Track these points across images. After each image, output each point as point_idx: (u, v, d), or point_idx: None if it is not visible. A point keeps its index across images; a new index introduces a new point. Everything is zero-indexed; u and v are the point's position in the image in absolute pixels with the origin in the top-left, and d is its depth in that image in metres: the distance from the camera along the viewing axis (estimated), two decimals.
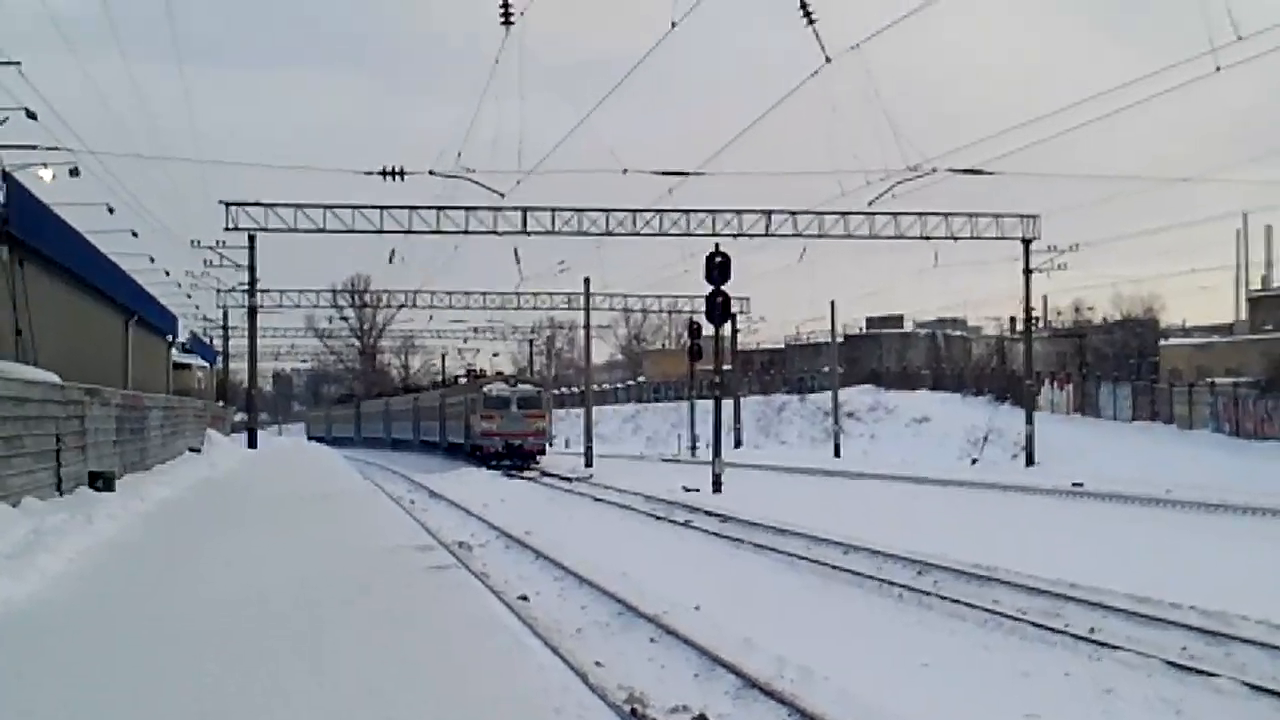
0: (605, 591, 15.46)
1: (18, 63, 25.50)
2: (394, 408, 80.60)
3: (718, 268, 34.28)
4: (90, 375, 27.79)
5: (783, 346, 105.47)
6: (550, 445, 57.93)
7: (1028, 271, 51.47)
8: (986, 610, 14.22)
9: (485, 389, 51.09)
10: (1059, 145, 63.17)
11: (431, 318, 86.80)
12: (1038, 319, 65.78)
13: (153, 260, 52.25)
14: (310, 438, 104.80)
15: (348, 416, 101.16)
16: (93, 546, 16.82)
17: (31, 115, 26.71)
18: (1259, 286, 72.82)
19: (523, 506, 30.22)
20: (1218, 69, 25.95)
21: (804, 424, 76.53)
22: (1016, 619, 13.66)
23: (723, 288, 34.51)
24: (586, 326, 71.47)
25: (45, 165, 29.11)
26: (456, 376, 68.18)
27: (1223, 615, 13.08)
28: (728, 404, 61.06)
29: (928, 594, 15.54)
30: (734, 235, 47.42)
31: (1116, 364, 71.38)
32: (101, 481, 23.76)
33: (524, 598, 15.13)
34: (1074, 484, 35.32)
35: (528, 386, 53.18)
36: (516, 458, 48.90)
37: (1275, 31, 24.45)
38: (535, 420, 50.99)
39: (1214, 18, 24.31)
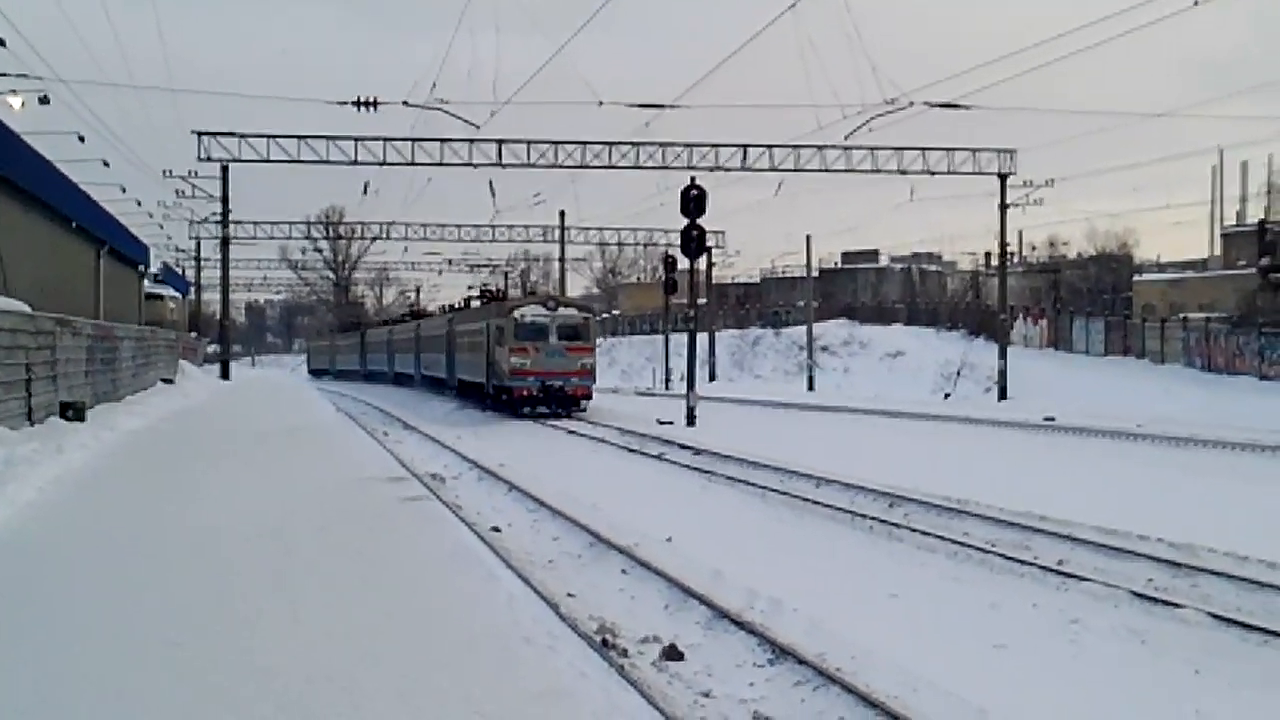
0: (577, 523, 15.47)
1: None
2: (397, 337, 67.10)
3: (693, 201, 34.11)
4: (61, 305, 27.57)
5: (758, 280, 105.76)
6: None
7: (1003, 206, 51.46)
8: (956, 542, 14.28)
9: (516, 313, 38.44)
10: (1037, 79, 63.09)
11: (406, 250, 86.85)
12: (1013, 254, 66.04)
13: (124, 190, 52.02)
14: (312, 371, 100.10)
15: (352, 347, 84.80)
16: (63, 476, 16.81)
17: (1, 43, 26.36)
18: (1234, 222, 73.10)
19: (495, 438, 30.24)
20: (1195, 3, 25.91)
21: (778, 357, 76.68)
22: (986, 551, 13.72)
23: (698, 221, 34.34)
24: (561, 259, 71.63)
25: (15, 93, 28.84)
26: (469, 298, 53.03)
27: (1189, 547, 13.17)
28: (702, 337, 61.08)
29: (898, 526, 15.59)
30: (710, 169, 47.37)
31: (1090, 299, 71.71)
32: (72, 411, 23.71)
33: (496, 529, 15.15)
34: (1046, 418, 35.47)
35: (571, 310, 39.97)
36: (556, 403, 37.61)
37: None
38: (581, 355, 38.38)
39: None
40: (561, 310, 39.20)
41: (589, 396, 38.80)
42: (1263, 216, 63.18)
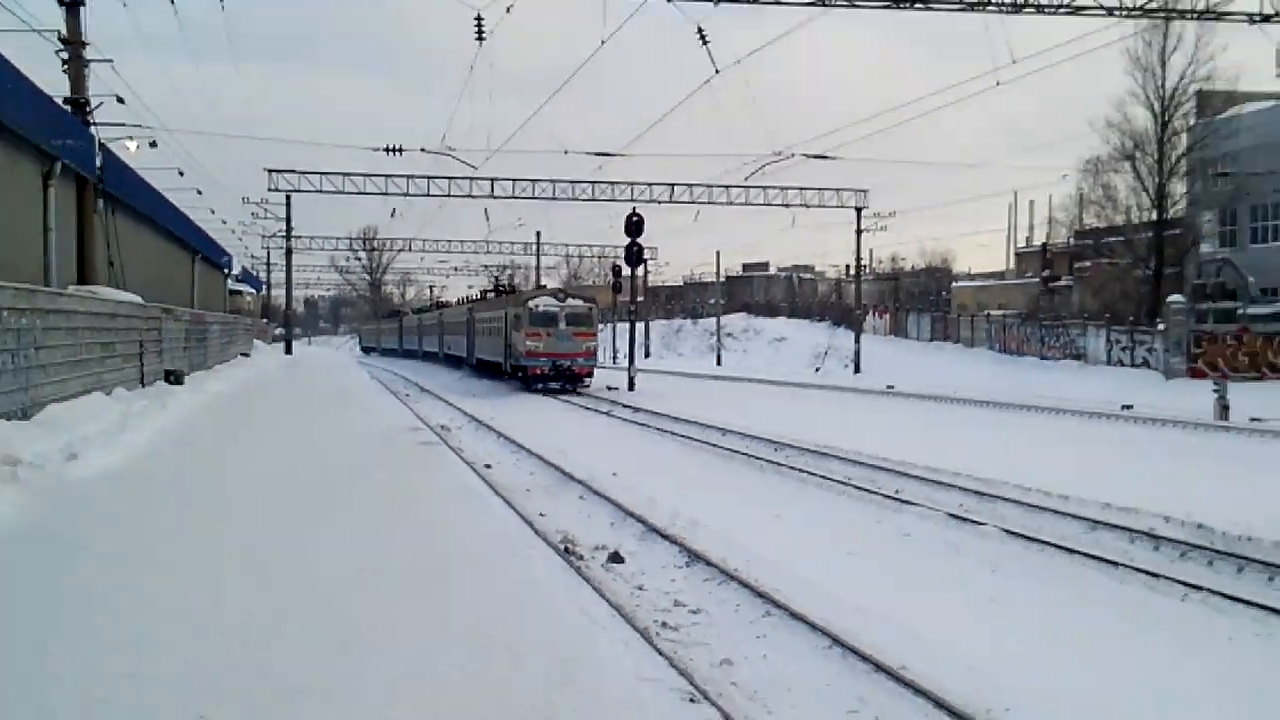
0: (548, 462, 15.44)
1: (110, 60, 24.74)
2: (425, 323, 62.26)
3: (634, 225, 34.24)
4: (165, 297, 27.25)
5: (681, 284, 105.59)
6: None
7: (859, 231, 51.70)
8: (823, 477, 14.39)
9: (530, 303, 34.61)
10: (885, 137, 63.48)
11: (423, 259, 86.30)
12: (865, 266, 66.25)
13: (213, 212, 51.00)
14: (363, 348, 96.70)
15: (392, 331, 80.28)
16: (167, 426, 16.55)
17: (120, 100, 25.87)
18: (1024, 245, 73.97)
19: (487, 400, 30.09)
20: (998, 84, 26.24)
21: (695, 341, 76.65)
22: (844, 484, 13.84)
23: (638, 240, 34.57)
24: (537, 268, 71.26)
25: (131, 139, 28.19)
26: (485, 291, 48.76)
27: (990, 481, 13.34)
28: (640, 326, 61.01)
29: (781, 465, 15.69)
30: (647, 201, 47.49)
31: (921, 299, 72.22)
32: (174, 377, 23.37)
33: (488, 466, 15.10)
34: (888, 386, 35.79)
35: (578, 301, 35.59)
36: (564, 380, 33.94)
37: (1039, 57, 24.73)
38: (585, 339, 34.53)
39: (996, 45, 24.59)
40: (570, 301, 35.28)
41: (591, 375, 35.10)
42: (1044, 241, 63.88)
